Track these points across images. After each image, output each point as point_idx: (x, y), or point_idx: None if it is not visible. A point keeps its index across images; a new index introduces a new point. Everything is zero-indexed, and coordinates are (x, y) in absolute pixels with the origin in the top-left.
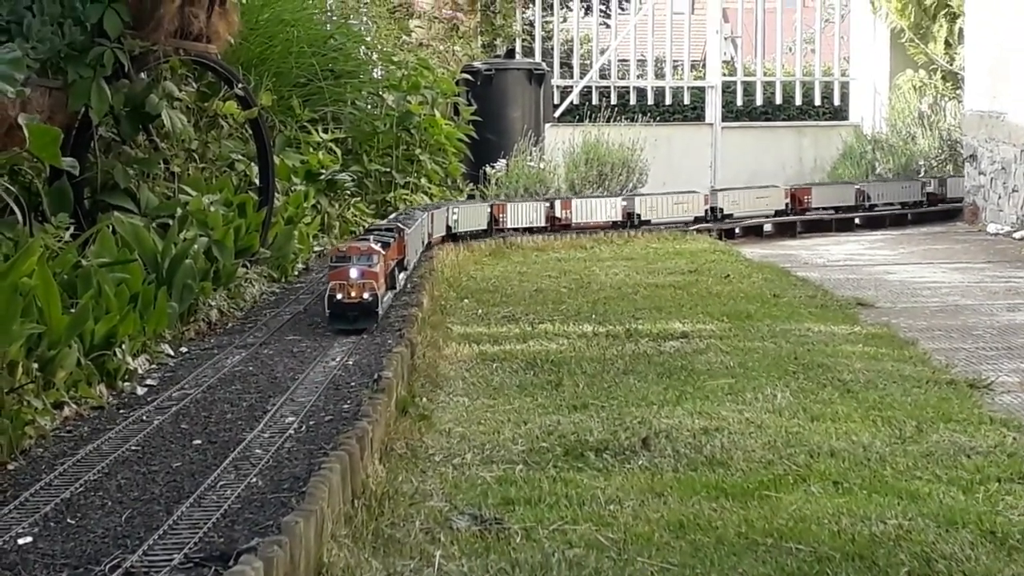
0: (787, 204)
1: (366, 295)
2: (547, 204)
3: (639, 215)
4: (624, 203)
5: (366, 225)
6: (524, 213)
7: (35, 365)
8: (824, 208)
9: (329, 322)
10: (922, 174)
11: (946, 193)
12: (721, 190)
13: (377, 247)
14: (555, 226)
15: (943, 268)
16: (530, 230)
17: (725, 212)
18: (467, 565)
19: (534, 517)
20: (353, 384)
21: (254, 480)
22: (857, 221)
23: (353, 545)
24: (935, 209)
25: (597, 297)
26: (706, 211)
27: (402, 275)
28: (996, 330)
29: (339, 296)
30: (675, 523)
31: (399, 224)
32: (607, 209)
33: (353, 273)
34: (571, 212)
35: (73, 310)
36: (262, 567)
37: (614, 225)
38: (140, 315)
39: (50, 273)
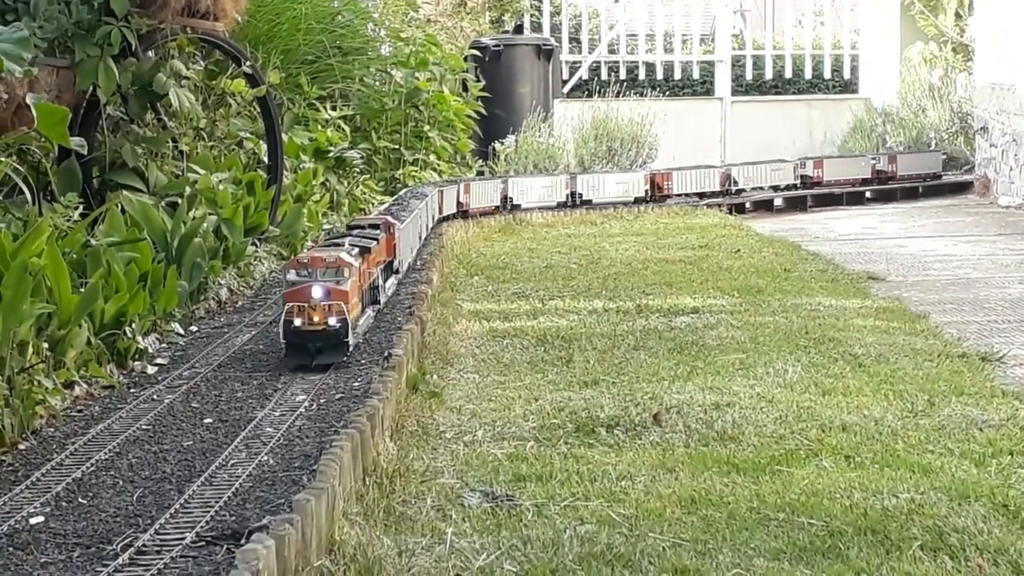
0: (646, 190)
1: (332, 320)
2: (455, 190)
3: (511, 199)
4: (502, 186)
5: (375, 203)
6: (447, 200)
7: (45, 345)
8: (687, 194)
9: (285, 355)
10: (933, 147)
11: (823, 176)
12: (581, 174)
13: (350, 257)
14: (459, 211)
15: (954, 241)
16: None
17: (584, 197)
18: (479, 542)
19: (545, 493)
20: (363, 361)
21: (265, 458)
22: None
23: (364, 523)
24: (814, 192)
25: (607, 273)
26: (567, 196)
27: (391, 281)
28: (1008, 303)
29: (297, 322)
30: (687, 498)
31: (388, 219)
32: (490, 193)
33: (316, 292)
34: (470, 197)
35: (83, 289)
36: (274, 545)
37: (495, 210)
38: (150, 294)
39: (59, 253)
